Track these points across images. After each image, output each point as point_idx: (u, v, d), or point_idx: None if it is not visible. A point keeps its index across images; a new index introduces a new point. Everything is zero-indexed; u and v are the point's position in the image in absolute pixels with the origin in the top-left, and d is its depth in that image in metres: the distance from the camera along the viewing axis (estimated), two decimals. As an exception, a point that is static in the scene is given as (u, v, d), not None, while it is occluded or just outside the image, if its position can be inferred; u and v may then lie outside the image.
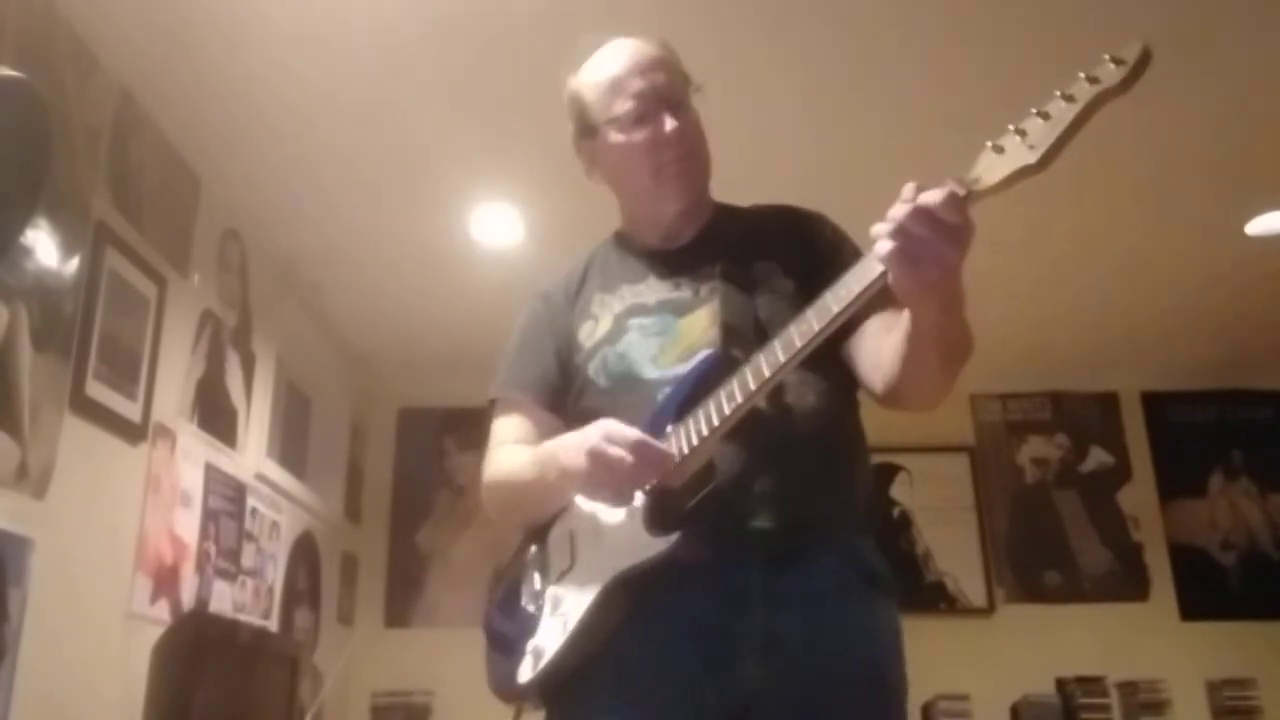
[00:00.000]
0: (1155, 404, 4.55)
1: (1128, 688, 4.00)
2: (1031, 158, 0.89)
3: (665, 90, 1.32)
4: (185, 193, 2.75)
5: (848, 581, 1.18)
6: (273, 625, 3.24)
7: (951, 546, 4.34)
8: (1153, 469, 4.47)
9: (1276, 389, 4.53)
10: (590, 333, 1.34)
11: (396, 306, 3.77)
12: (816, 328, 1.04)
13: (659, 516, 1.12)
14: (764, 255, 1.31)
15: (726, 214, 1.42)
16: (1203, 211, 3.18)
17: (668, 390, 1.20)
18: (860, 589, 1.19)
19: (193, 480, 2.71)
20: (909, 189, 0.96)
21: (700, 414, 1.12)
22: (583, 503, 1.23)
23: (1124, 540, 4.37)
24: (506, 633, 1.28)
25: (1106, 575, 4.32)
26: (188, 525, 2.66)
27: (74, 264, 2.16)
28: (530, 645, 1.22)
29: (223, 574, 2.86)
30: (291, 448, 3.85)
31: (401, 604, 4.23)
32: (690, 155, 1.33)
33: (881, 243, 0.96)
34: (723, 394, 1.11)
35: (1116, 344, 4.21)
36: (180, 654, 2.34)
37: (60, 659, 2.06)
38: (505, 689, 1.26)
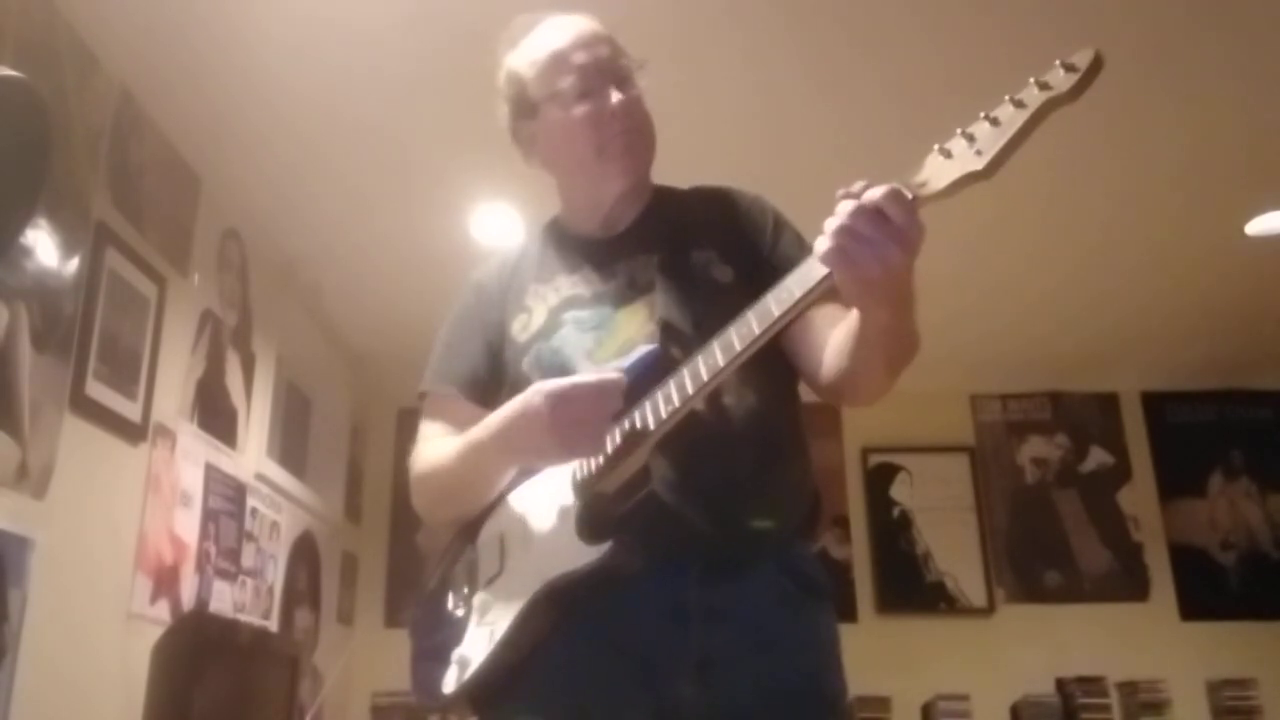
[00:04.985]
0: (1155, 404, 4.56)
1: (1128, 688, 4.00)
2: (978, 164, 0.86)
3: (609, 64, 1.27)
4: (185, 193, 2.75)
5: (786, 592, 1.14)
6: (273, 625, 3.24)
7: (951, 546, 4.34)
8: (1153, 469, 4.48)
9: (1276, 389, 4.54)
10: (524, 326, 1.29)
11: (396, 307, 3.76)
12: (757, 330, 1.00)
13: (591, 523, 1.07)
14: (702, 243, 1.26)
15: (664, 197, 1.36)
16: (1203, 211, 3.17)
17: None
18: (798, 599, 1.15)
19: (193, 480, 2.71)
20: (857, 187, 0.92)
21: (636, 415, 1.07)
22: (515, 503, 1.18)
23: (1124, 540, 4.37)
24: (431, 637, 1.24)
25: (1106, 575, 4.32)
26: (188, 525, 2.66)
27: (74, 264, 2.16)
28: (456, 654, 1.18)
29: (223, 574, 2.86)
30: (291, 448, 3.85)
31: (401, 604, 4.22)
32: (636, 130, 1.28)
33: (821, 240, 0.93)
34: (660, 396, 1.06)
35: (1116, 344, 4.21)
36: (180, 654, 2.34)
37: (60, 659, 2.06)
38: (429, 698, 1.21)
